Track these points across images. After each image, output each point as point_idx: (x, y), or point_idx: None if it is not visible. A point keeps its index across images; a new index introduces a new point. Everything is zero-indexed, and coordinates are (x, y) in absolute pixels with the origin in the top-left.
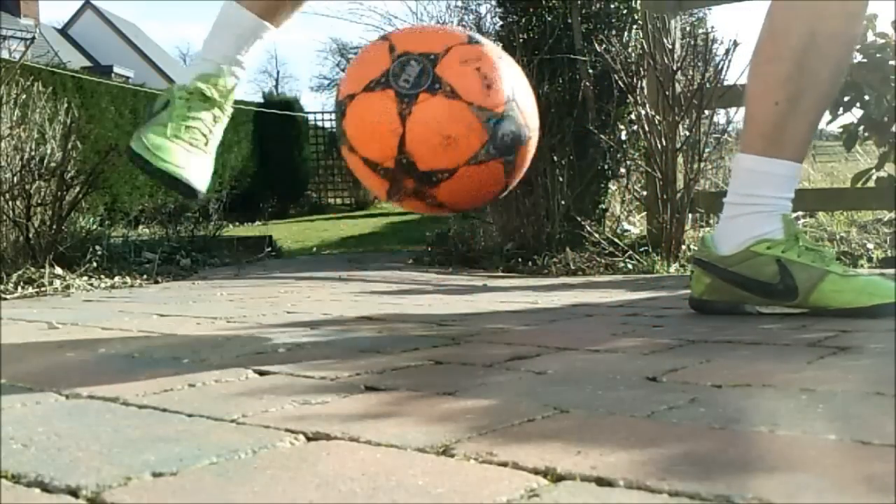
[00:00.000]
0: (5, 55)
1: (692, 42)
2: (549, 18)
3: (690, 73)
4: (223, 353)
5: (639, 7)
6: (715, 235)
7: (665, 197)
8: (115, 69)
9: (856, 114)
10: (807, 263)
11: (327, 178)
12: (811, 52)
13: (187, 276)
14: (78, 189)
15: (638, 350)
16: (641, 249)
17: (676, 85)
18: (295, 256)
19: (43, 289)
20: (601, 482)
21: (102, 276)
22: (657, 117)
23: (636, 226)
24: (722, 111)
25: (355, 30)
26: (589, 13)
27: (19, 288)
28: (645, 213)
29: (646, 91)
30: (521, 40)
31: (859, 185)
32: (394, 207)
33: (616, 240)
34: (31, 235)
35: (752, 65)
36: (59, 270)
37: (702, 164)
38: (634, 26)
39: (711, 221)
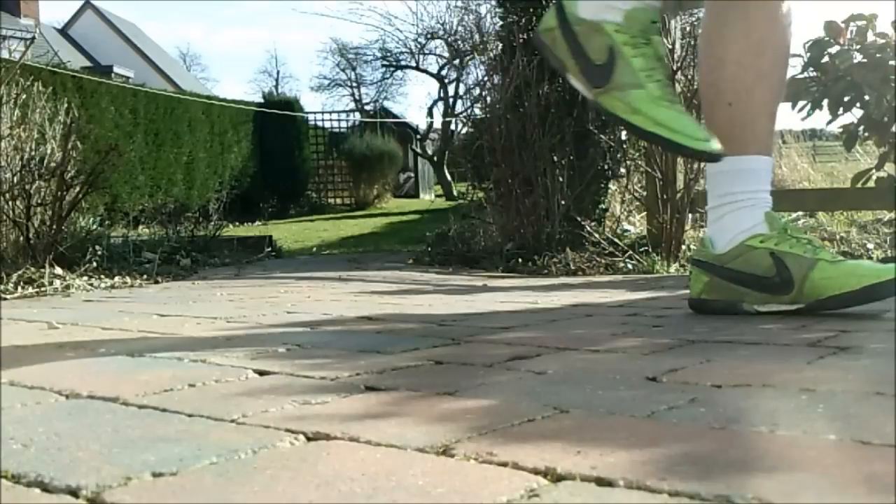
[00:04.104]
0: (5, 55)
1: (692, 42)
2: None
3: (690, 73)
4: (223, 353)
5: None
6: (708, 238)
7: (665, 197)
8: (115, 69)
9: (856, 114)
10: (799, 254)
11: (327, 178)
12: (748, 50)
13: (187, 276)
14: (78, 189)
15: (638, 350)
16: (641, 249)
17: (676, 85)
18: (295, 256)
19: (43, 289)
20: (601, 482)
21: (102, 276)
22: None
23: (636, 226)
24: None
25: (355, 30)
26: None
27: (19, 288)
28: (645, 213)
29: None
30: (521, 40)
31: (859, 185)
32: (393, 207)
33: (616, 240)
34: (31, 235)
35: (700, 75)
36: (59, 270)
37: (702, 165)
38: None
39: None
